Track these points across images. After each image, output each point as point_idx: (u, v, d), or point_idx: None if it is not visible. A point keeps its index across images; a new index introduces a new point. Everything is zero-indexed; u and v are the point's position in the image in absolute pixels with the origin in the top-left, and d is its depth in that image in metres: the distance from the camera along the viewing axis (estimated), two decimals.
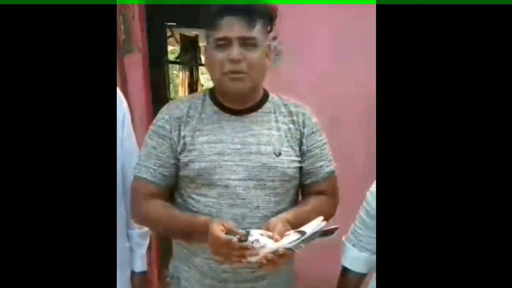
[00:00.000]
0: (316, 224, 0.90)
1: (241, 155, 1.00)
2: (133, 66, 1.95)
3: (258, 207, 1.00)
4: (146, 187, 1.02)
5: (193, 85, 5.59)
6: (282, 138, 1.04)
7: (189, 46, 5.31)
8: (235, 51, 0.95)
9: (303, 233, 0.89)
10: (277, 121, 1.05)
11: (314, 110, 1.12)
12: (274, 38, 1.02)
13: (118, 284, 1.08)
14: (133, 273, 1.23)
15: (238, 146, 1.00)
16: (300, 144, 1.06)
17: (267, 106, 1.06)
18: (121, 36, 1.84)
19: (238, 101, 1.03)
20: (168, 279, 1.16)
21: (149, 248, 1.36)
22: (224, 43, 0.96)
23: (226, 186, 0.99)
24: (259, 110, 1.05)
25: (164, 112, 1.05)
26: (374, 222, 1.02)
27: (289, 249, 0.89)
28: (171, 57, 5.82)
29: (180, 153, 1.01)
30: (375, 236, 1.02)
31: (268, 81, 1.07)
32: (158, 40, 4.05)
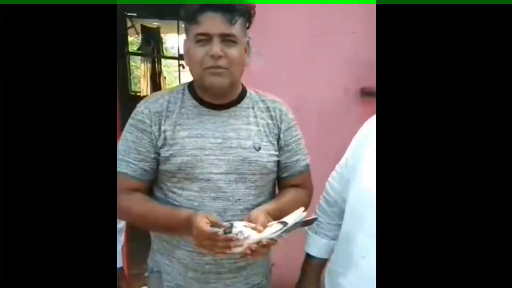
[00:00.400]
0: (297, 215, 0.94)
1: (222, 149, 1.01)
2: None
3: (239, 200, 1.02)
4: (126, 182, 1.01)
5: (155, 78, 5.48)
6: (261, 133, 1.06)
7: (151, 38, 5.20)
8: (216, 47, 0.96)
9: (285, 223, 0.92)
10: (255, 116, 1.07)
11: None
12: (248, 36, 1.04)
13: None
14: None
15: (219, 141, 1.02)
16: (278, 139, 1.09)
17: (246, 101, 1.08)
18: None
19: (218, 96, 1.04)
20: (146, 274, 1.16)
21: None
22: (205, 38, 0.96)
23: (208, 180, 1.00)
24: (238, 105, 1.07)
25: (143, 106, 1.03)
26: (333, 209, 1.11)
27: (271, 239, 0.92)
28: (132, 48, 5.66)
29: (160, 148, 1.01)
30: (334, 222, 1.11)
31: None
32: (117, 30, 3.94)
